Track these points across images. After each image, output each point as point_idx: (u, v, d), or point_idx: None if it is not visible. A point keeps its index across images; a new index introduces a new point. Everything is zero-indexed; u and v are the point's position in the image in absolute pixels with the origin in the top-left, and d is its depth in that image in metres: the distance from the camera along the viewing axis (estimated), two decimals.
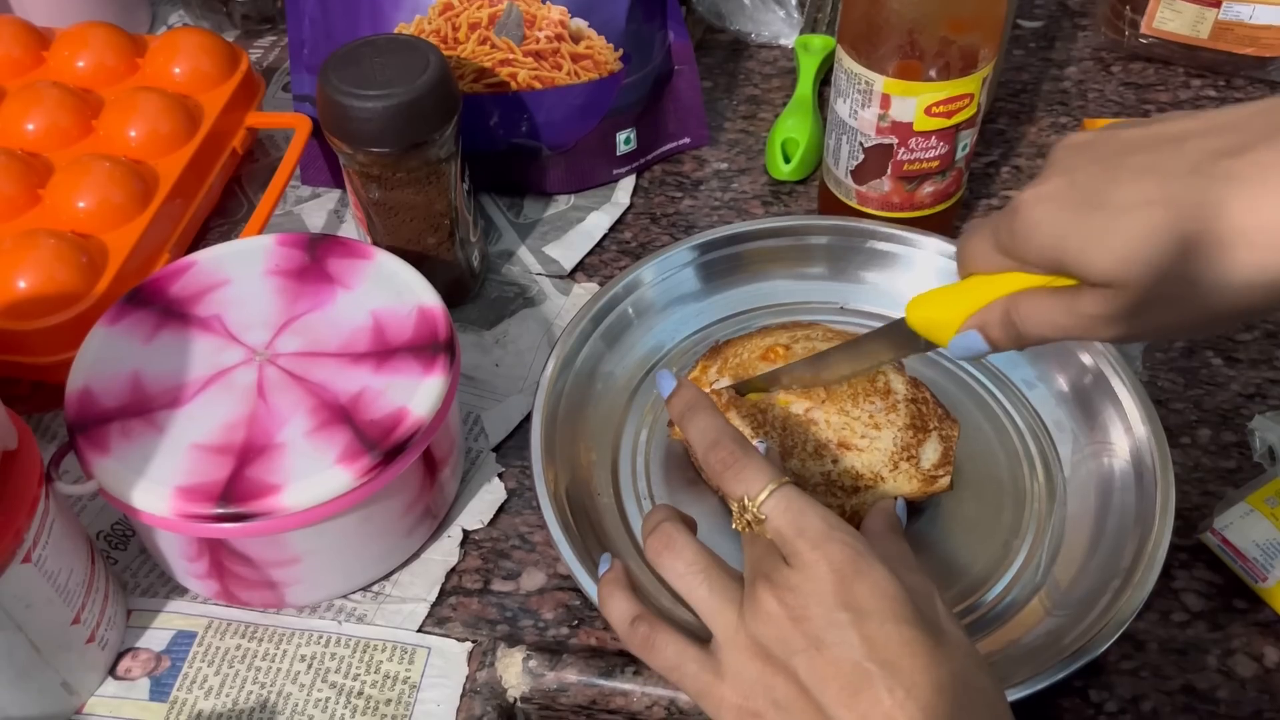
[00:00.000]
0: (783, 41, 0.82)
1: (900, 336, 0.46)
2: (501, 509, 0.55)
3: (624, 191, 0.71)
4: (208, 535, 0.45)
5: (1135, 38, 0.79)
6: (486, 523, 0.54)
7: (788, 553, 0.38)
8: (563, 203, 0.70)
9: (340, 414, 0.47)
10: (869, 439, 0.51)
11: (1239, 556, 0.50)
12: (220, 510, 0.44)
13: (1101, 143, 0.37)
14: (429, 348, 0.50)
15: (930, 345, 0.45)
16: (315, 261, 0.54)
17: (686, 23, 0.75)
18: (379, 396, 0.48)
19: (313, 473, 0.45)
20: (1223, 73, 0.78)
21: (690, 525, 0.42)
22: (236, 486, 0.45)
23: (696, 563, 0.39)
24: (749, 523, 0.39)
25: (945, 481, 0.52)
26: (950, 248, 0.61)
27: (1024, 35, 0.83)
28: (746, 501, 0.39)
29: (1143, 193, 0.34)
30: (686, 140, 0.73)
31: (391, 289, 0.52)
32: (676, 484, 0.55)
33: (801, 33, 0.80)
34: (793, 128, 0.72)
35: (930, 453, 0.52)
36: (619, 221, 0.69)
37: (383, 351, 0.50)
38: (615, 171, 0.71)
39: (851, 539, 0.37)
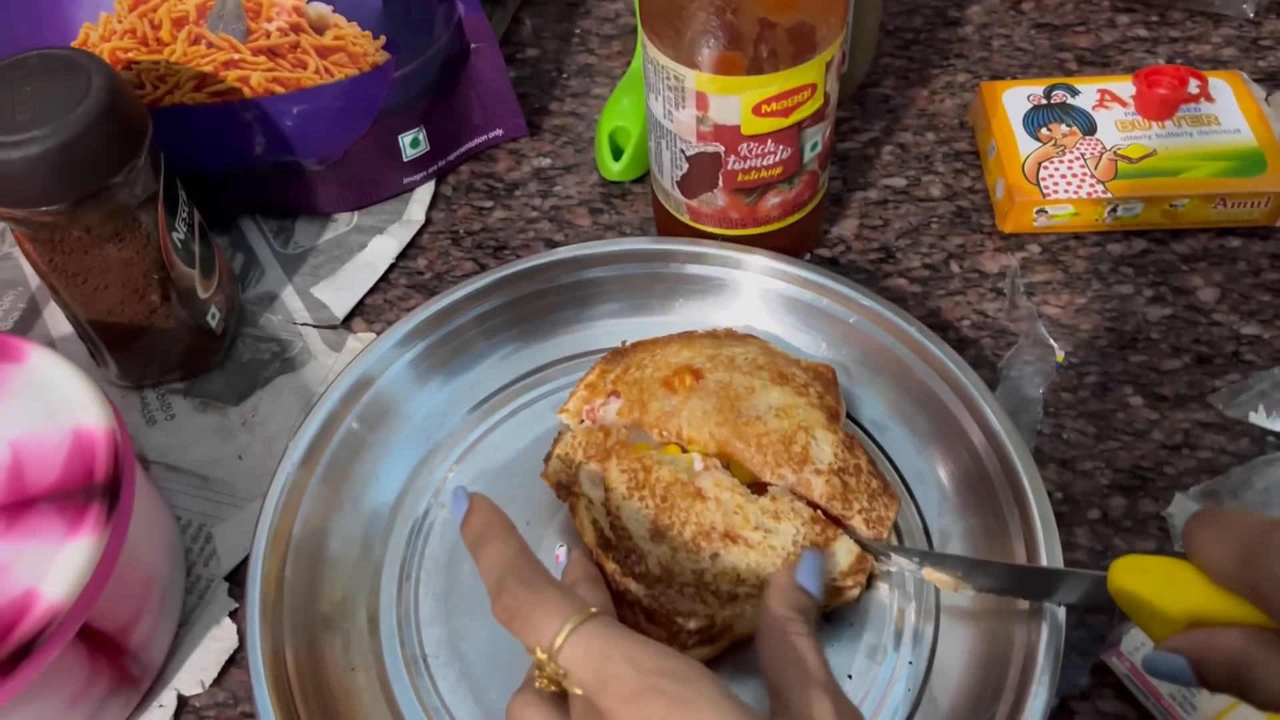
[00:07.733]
0: None
1: (1087, 592, 0.36)
2: (232, 660, 0.43)
3: (419, 205, 0.58)
4: None
5: None
6: (209, 683, 0.43)
7: (600, 709, 0.30)
8: (343, 224, 0.57)
9: None
10: (763, 532, 0.40)
11: (1152, 694, 0.39)
12: None
13: None
14: (80, 494, 0.38)
15: (1121, 618, 0.36)
16: None
17: None
18: (2, 575, 0.36)
19: None
20: (1156, 5, 0.65)
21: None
22: None
23: None
24: (549, 679, 0.31)
25: (854, 594, 0.41)
26: (782, 267, 0.49)
27: None
28: (540, 654, 0.31)
29: None
30: (498, 133, 0.60)
31: (42, 405, 0.40)
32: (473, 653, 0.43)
33: None
34: (625, 111, 0.58)
35: (841, 556, 0.40)
36: (411, 245, 0.56)
37: (17, 503, 0.37)
38: (406, 180, 0.58)
39: (672, 685, 0.29)
